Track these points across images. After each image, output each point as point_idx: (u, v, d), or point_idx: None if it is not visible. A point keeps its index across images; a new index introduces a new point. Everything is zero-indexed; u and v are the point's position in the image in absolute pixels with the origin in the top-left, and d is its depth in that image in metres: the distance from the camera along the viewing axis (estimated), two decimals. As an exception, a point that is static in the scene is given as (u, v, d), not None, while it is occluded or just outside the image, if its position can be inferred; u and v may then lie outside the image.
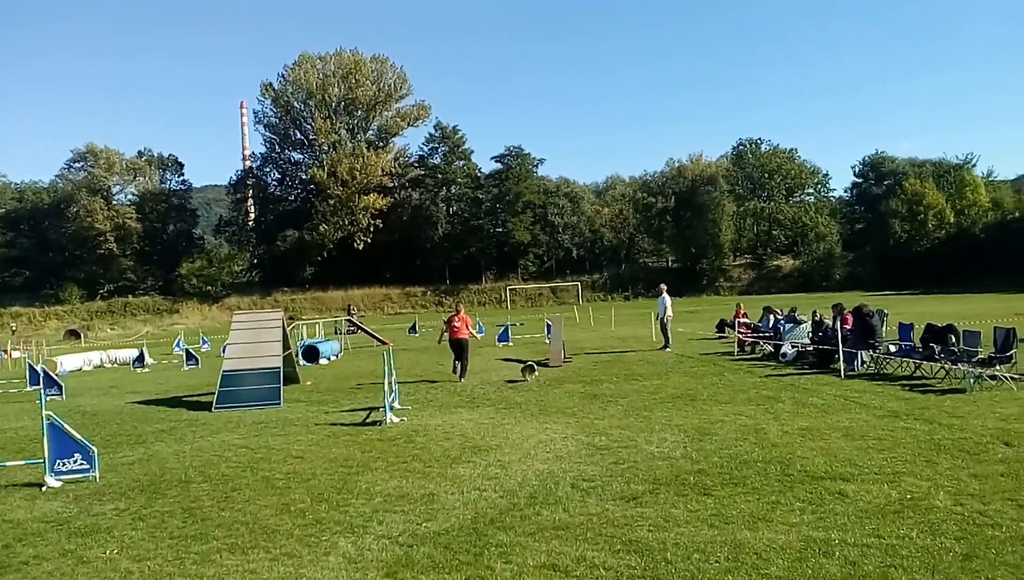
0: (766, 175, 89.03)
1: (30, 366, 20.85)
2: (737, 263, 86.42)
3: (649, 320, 26.69)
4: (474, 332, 18.51)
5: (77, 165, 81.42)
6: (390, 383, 12.13)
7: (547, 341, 23.93)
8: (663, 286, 22.73)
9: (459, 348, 17.00)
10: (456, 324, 17.02)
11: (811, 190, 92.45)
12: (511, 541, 5.80)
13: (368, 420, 11.77)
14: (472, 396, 13.94)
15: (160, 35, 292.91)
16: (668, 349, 20.58)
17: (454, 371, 17.04)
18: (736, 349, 19.39)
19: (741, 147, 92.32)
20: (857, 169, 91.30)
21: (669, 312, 21.40)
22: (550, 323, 23.01)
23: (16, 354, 34.64)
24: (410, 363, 20.74)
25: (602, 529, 5.98)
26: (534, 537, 5.87)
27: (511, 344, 25.59)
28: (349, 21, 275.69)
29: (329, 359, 23.84)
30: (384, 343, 28.45)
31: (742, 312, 22.82)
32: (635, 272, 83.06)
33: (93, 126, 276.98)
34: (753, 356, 18.61)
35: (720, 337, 23.88)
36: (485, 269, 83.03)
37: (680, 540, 5.65)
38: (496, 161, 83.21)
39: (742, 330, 20.25)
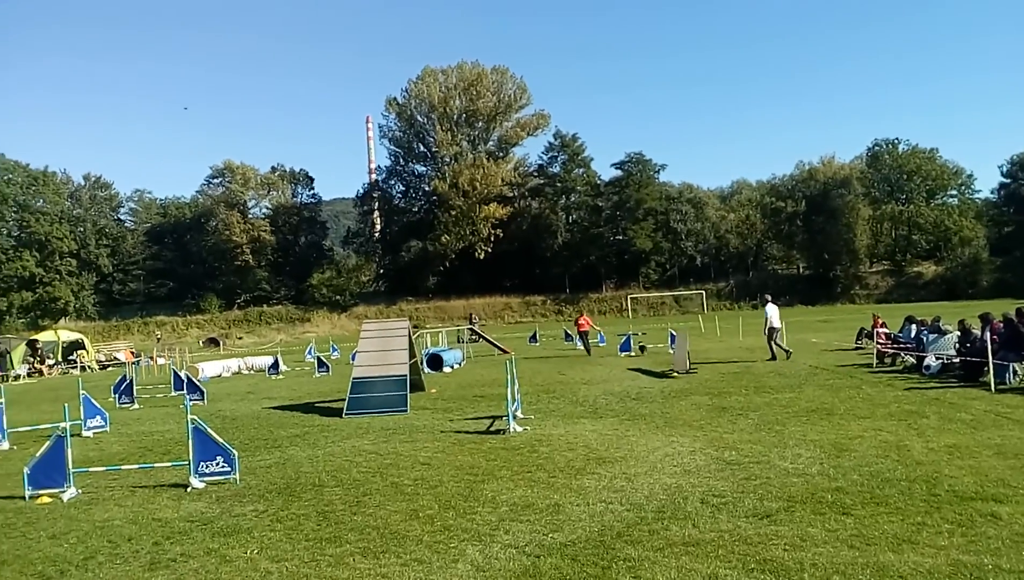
0: (904, 176, 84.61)
1: (174, 372, 22.21)
2: (874, 270, 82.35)
3: (781, 331, 25.76)
4: (596, 327, 31.17)
5: (216, 181, 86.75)
6: (513, 392, 12.18)
7: (671, 351, 23.53)
8: (768, 297, 22.92)
9: (584, 336, 27.70)
10: (580, 322, 28.11)
11: (954, 191, 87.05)
12: (639, 556, 5.67)
13: (492, 429, 11.85)
14: (595, 407, 13.81)
15: (291, 56, 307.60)
16: (773, 361, 20.06)
17: (587, 351, 27.15)
18: (875, 361, 18.43)
19: (877, 148, 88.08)
20: (1005, 168, 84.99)
21: (773, 323, 20.89)
22: (674, 333, 22.62)
23: (161, 361, 37.11)
24: (532, 372, 20.81)
25: (734, 547, 5.76)
26: (663, 552, 5.72)
27: (633, 354, 25.28)
28: (470, 33, 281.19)
29: (452, 367, 24.23)
30: (506, 352, 28.69)
31: (880, 322, 21.71)
32: (763, 280, 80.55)
33: (230, 143, 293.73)
34: (893, 368, 17.62)
35: (857, 348, 22.77)
36: (605, 278, 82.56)
37: (818, 561, 5.37)
38: (616, 168, 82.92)
39: (881, 341, 19.24)
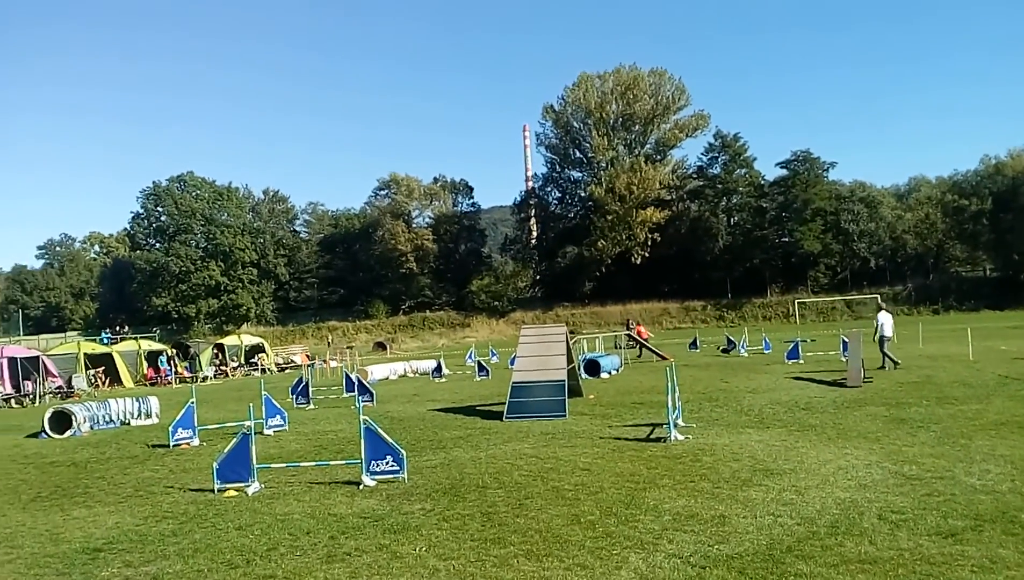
0: (1109, 169, 76.14)
1: (346, 375, 23.42)
2: (1072, 272, 74.61)
3: (965, 337, 23.94)
4: (649, 334, 36.35)
5: (382, 192, 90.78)
6: (673, 399, 11.98)
7: (843, 359, 22.40)
8: (882, 304, 23.76)
9: (639, 343, 32.34)
10: (642, 329, 34.62)
11: None
12: (812, 572, 5.43)
13: (652, 436, 11.71)
14: (761, 416, 13.35)
15: (449, 74, 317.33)
16: (885, 369, 19.42)
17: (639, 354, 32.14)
18: (1076, 371, 16.76)
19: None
20: None
21: (884, 331, 20.39)
22: (846, 339, 21.55)
23: (333, 364, 39.17)
24: (692, 380, 20.38)
25: (915, 566, 5.42)
26: (837, 569, 5.45)
27: (801, 361, 24.22)
28: (627, 34, 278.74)
29: (610, 373, 24.14)
30: (664, 358, 28.25)
31: (1082, 328, 19.74)
32: (945, 282, 74.77)
33: (395, 157, 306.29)
34: (1099, 379, 15.96)
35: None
36: (770, 281, 79.45)
37: (1011, 586, 4.97)
38: (781, 167, 79.26)
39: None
